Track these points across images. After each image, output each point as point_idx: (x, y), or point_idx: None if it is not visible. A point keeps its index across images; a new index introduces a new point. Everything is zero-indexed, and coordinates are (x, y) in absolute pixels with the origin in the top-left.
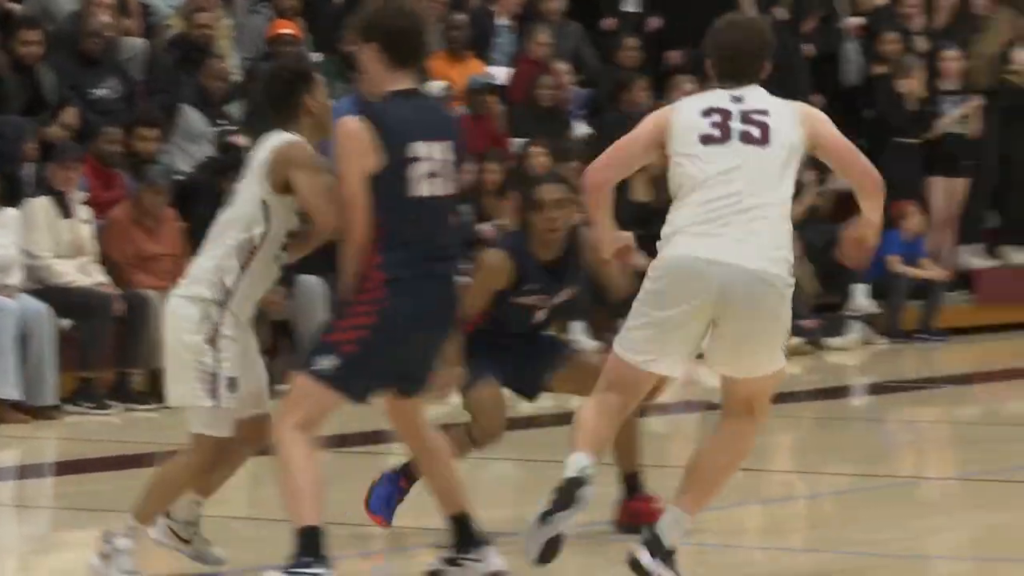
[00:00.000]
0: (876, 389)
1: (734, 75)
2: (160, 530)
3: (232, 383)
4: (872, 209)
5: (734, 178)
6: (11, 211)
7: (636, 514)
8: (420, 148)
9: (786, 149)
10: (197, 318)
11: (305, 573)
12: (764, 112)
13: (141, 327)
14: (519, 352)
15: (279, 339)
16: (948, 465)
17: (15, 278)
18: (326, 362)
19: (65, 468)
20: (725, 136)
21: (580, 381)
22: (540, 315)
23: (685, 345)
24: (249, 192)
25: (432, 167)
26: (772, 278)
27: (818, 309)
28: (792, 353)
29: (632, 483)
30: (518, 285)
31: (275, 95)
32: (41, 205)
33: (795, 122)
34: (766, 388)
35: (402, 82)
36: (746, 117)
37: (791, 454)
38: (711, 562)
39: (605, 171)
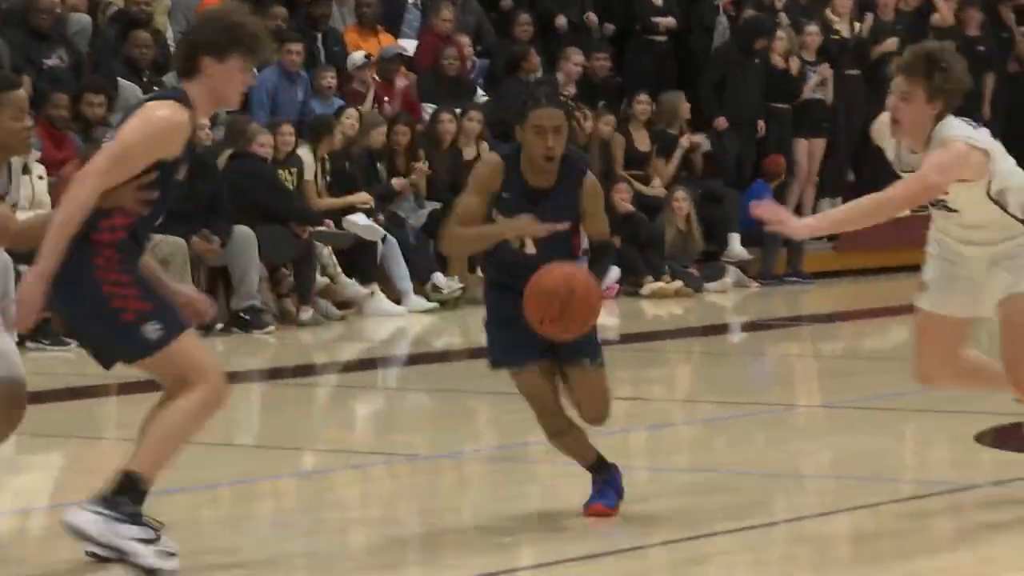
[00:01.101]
0: (749, 327)
1: None
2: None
3: None
4: None
5: None
6: None
7: None
8: None
9: None
10: None
11: None
12: None
13: None
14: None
15: (215, 283)
16: (815, 394)
17: None
18: None
19: (28, 398)
20: None
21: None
22: (529, 247)
23: None
24: None
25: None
26: None
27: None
28: (676, 295)
29: None
30: (499, 197)
31: None
32: None
33: None
34: None
35: None
36: None
37: (675, 385)
38: None
39: None
